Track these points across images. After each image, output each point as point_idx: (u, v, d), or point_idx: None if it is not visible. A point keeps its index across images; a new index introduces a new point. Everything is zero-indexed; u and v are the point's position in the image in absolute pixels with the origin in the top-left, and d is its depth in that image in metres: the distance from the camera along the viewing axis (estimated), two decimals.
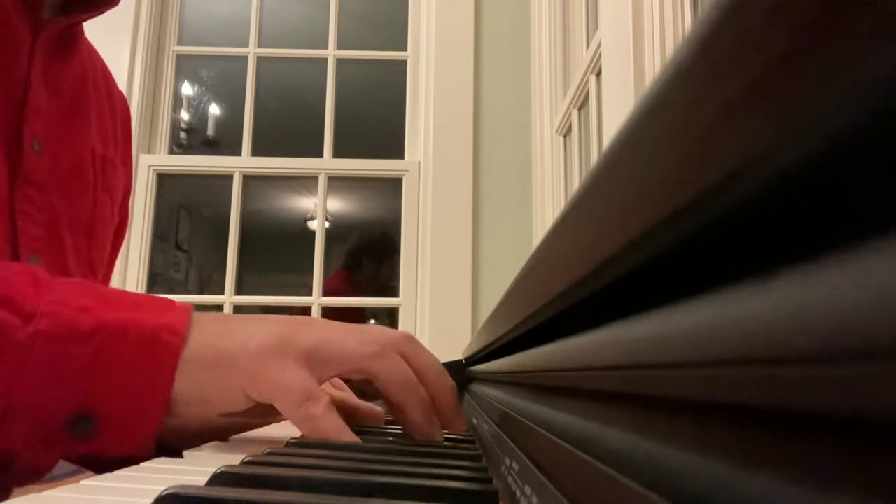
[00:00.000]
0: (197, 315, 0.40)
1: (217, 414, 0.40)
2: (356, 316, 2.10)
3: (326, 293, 1.70)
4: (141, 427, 0.37)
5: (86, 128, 0.62)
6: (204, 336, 0.39)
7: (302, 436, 0.40)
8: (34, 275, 0.39)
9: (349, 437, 0.39)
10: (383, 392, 0.42)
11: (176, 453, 0.37)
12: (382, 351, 0.41)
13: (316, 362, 0.39)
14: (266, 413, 0.42)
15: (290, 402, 0.38)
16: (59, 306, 0.37)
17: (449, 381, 0.45)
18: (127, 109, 0.75)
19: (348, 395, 0.49)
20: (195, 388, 0.38)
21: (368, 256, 2.11)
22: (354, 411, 0.50)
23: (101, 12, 0.61)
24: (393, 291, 1.70)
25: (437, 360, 0.45)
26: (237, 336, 0.39)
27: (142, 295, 0.42)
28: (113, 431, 0.37)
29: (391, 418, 0.47)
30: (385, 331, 0.44)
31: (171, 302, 0.41)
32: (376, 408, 0.51)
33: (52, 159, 0.56)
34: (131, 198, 1.63)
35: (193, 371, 0.38)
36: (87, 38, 0.66)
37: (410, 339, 0.44)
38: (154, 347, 0.37)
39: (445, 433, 0.46)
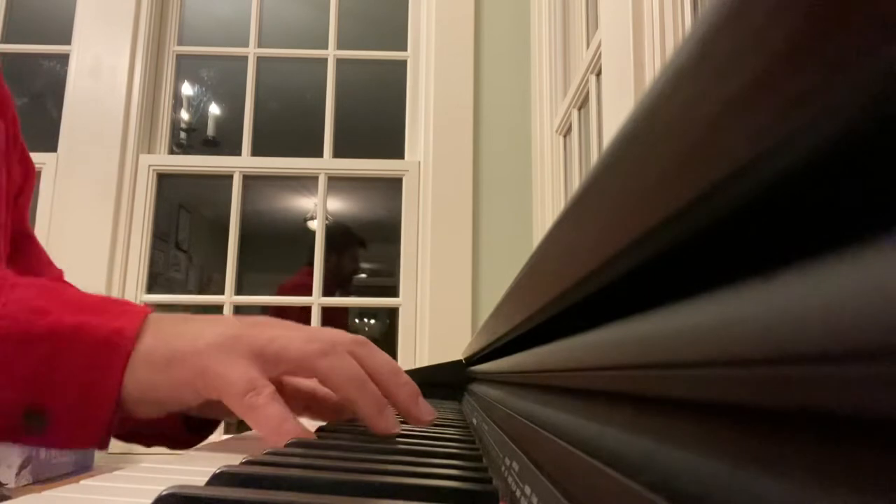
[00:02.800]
0: (155, 317, 0.42)
1: (169, 411, 0.42)
2: (340, 315, 2.10)
3: (290, 291, 1.69)
4: (91, 423, 0.39)
5: None
6: (157, 337, 0.41)
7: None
8: None
9: (293, 426, 0.38)
10: (332, 390, 0.43)
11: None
12: (329, 349, 0.41)
13: (264, 360, 0.40)
14: (218, 410, 0.43)
15: (233, 393, 0.39)
16: (16, 308, 0.39)
17: (404, 378, 0.45)
18: None
19: (316, 385, 0.48)
20: (146, 386, 0.40)
21: (328, 249, 2.10)
22: (325, 401, 0.49)
23: None
24: (393, 291, 1.70)
25: (390, 360, 0.45)
26: (188, 336, 0.41)
27: (103, 298, 0.43)
28: (63, 427, 0.39)
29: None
30: (337, 332, 0.44)
31: (130, 305, 0.43)
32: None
33: None
34: (130, 196, 1.64)
35: (144, 370, 0.39)
36: None
37: (362, 342, 0.44)
38: (104, 350, 0.39)
39: (446, 434, 0.46)
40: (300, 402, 0.47)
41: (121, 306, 0.42)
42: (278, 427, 0.38)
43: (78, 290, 0.43)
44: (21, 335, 0.38)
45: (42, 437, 0.39)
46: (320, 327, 0.46)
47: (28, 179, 0.75)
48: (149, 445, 0.53)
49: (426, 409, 0.46)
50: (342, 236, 2.22)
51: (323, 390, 0.48)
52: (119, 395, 0.39)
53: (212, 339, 0.40)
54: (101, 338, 0.39)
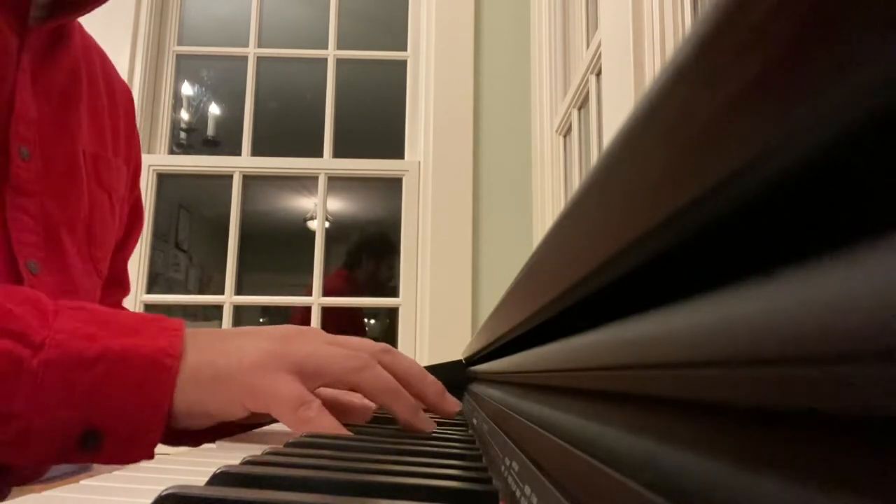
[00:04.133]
0: (191, 333, 0.44)
1: (216, 423, 0.44)
2: (354, 314, 2.12)
3: (328, 292, 1.70)
4: (143, 440, 0.41)
5: (76, 128, 0.61)
6: (202, 355, 0.42)
7: (301, 436, 0.40)
8: (37, 303, 0.42)
9: (344, 433, 0.42)
10: (369, 399, 0.46)
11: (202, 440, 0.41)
12: (364, 364, 0.44)
13: (305, 374, 0.43)
14: (261, 419, 0.47)
15: (285, 409, 0.41)
16: (66, 335, 0.40)
17: (429, 378, 0.49)
18: (130, 100, 0.74)
19: (339, 394, 0.51)
20: (196, 403, 0.42)
21: (367, 255, 2.13)
22: (347, 408, 0.52)
23: (91, 10, 0.60)
24: (393, 291, 1.70)
25: (415, 363, 0.49)
26: (231, 354, 0.43)
27: (138, 317, 0.45)
28: (118, 445, 0.40)
29: (380, 412, 0.52)
30: (366, 343, 0.47)
31: (165, 321, 0.44)
32: (366, 402, 0.52)
33: (43, 164, 0.56)
34: None
35: (193, 388, 0.41)
36: (82, 30, 0.65)
37: (388, 350, 0.47)
38: (153, 370, 0.41)
39: (446, 434, 0.46)
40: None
41: (157, 323, 0.44)
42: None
43: (112, 310, 0.45)
44: (73, 362, 0.39)
45: (97, 455, 0.40)
46: (347, 338, 0.47)
47: (135, 229, 0.75)
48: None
49: (452, 402, 0.50)
50: (381, 242, 2.23)
51: (345, 399, 0.52)
52: (169, 412, 0.41)
53: (255, 356, 0.42)
54: (149, 358, 0.41)
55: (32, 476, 0.58)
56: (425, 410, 0.48)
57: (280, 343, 0.43)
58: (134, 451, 0.41)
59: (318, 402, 0.42)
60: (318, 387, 0.44)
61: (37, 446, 0.39)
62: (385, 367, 0.45)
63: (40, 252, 0.55)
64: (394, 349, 0.48)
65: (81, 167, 0.61)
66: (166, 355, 0.41)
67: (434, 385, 0.49)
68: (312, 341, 0.45)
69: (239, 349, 0.43)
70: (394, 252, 2.19)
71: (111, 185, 0.66)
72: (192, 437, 0.50)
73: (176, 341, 0.42)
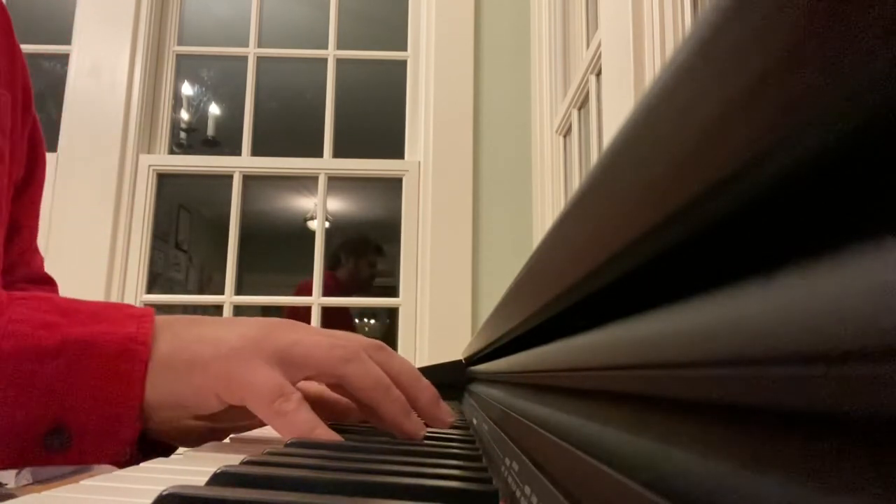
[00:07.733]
0: (164, 320, 0.40)
1: (190, 417, 0.40)
2: (344, 314, 2.12)
3: (311, 292, 1.70)
4: (116, 435, 0.38)
5: None
6: (176, 341, 0.39)
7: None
8: None
9: (324, 432, 0.38)
10: (355, 396, 0.42)
11: (168, 451, 0.37)
12: (353, 355, 0.41)
13: (287, 364, 0.39)
14: (242, 416, 0.42)
15: (261, 400, 0.38)
16: (21, 325, 0.37)
17: (424, 382, 0.45)
18: (4, 13, 0.61)
19: (325, 389, 0.47)
20: (168, 392, 0.38)
21: (346, 255, 2.12)
22: (334, 405, 0.49)
23: None
24: (392, 291, 1.70)
25: (410, 363, 0.45)
26: (209, 340, 0.39)
27: (101, 304, 0.41)
28: (87, 442, 0.37)
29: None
30: (357, 337, 0.43)
31: (131, 308, 0.41)
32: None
33: None
34: (130, 196, 1.64)
35: (166, 376, 0.38)
36: None
37: (381, 347, 0.43)
38: (122, 359, 0.37)
39: (446, 434, 0.46)
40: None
41: (122, 311, 0.40)
42: (309, 433, 0.37)
43: (71, 299, 0.41)
44: (32, 353, 0.36)
45: (66, 455, 0.37)
46: (337, 331, 0.44)
47: (37, 166, 0.66)
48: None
49: (447, 411, 0.46)
50: (360, 242, 2.24)
51: (331, 395, 0.48)
52: (142, 403, 0.38)
53: (234, 342, 0.39)
54: (116, 346, 0.37)
55: None
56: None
57: (263, 330, 0.40)
58: (107, 448, 0.38)
59: (298, 395, 0.38)
60: (302, 379, 0.41)
61: None
62: (377, 363, 0.42)
63: None
64: (387, 347, 0.44)
65: None
66: (135, 342, 0.37)
67: (428, 389, 0.45)
68: (299, 330, 0.41)
69: (216, 336, 0.39)
70: (373, 249, 2.21)
71: None
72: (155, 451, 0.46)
73: (145, 327, 0.38)
